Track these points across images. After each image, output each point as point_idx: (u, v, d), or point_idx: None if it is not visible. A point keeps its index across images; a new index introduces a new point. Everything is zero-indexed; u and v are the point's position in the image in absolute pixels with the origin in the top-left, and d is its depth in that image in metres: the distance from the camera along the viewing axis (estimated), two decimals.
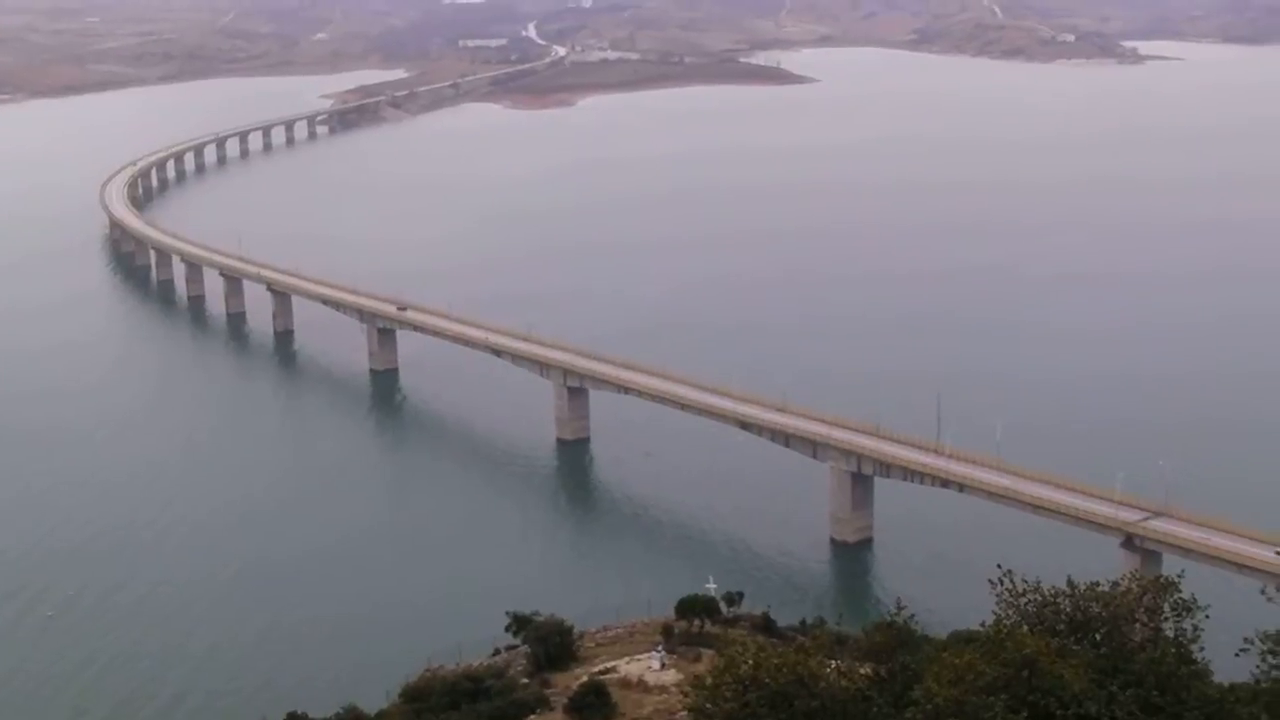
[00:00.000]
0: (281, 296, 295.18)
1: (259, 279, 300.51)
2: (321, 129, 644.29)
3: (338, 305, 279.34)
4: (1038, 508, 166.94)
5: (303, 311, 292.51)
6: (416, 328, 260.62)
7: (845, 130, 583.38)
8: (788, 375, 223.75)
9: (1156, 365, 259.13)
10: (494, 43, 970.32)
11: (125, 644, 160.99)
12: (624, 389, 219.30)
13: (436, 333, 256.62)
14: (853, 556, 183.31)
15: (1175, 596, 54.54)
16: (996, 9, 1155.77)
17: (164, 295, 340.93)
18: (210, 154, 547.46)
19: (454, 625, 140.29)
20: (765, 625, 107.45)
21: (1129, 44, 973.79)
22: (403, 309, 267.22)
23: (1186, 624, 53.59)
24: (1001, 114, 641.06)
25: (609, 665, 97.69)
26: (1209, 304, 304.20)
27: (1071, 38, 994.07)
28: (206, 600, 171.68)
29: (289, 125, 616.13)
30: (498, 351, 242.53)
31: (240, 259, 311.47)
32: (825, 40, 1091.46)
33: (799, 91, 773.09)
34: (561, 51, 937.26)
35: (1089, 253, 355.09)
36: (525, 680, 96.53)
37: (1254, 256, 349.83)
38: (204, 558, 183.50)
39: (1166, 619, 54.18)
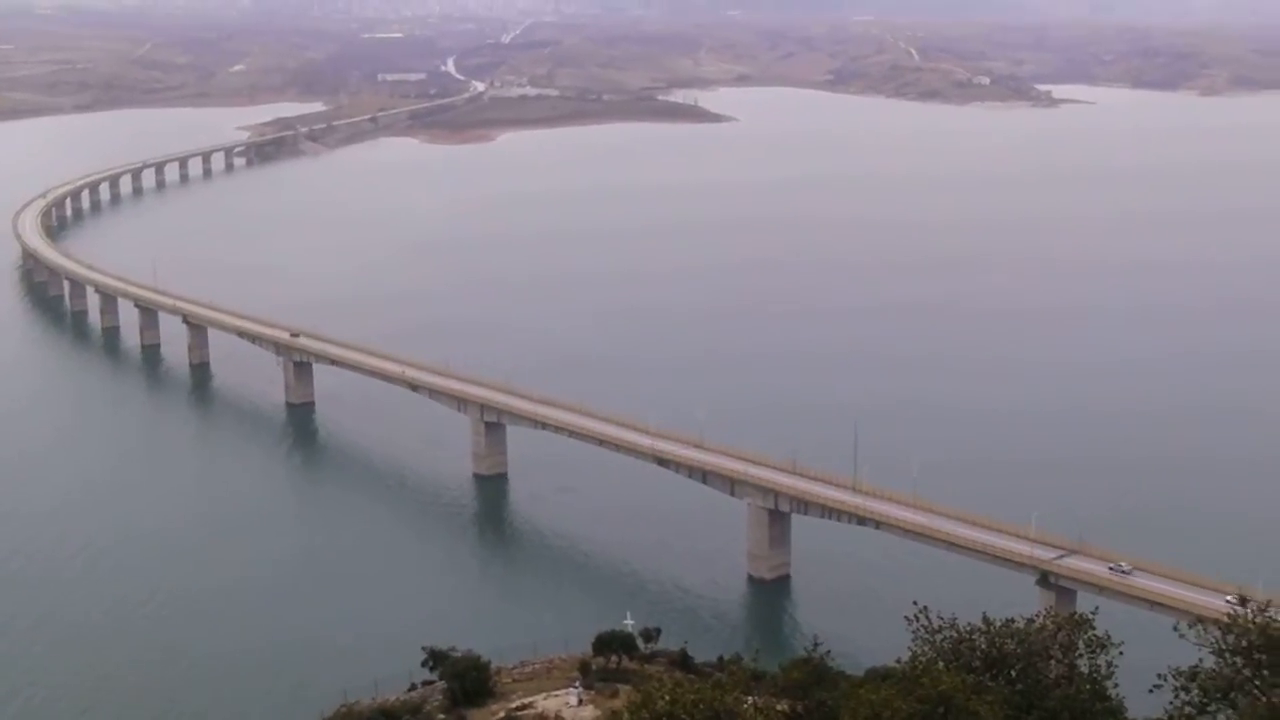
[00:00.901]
0: (197, 329, 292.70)
1: (174, 311, 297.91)
2: (239, 161, 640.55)
3: (254, 338, 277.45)
4: (954, 545, 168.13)
5: (219, 344, 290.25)
6: (333, 361, 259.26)
7: (763, 168, 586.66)
8: (705, 406, 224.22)
9: (1068, 401, 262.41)
10: (413, 77, 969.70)
11: (29, 681, 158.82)
12: (541, 424, 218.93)
13: (353, 366, 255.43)
14: (770, 593, 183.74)
15: (1089, 633, 55.02)
16: (913, 51, 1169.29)
17: (78, 327, 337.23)
18: (126, 184, 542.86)
19: (370, 660, 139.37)
20: (682, 661, 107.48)
21: (1043, 87, 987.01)
22: (295, 335, 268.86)
23: (1101, 660, 54.06)
24: (918, 154, 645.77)
25: (526, 701, 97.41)
26: (1124, 341, 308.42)
27: (986, 80, 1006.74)
28: (119, 636, 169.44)
29: (206, 157, 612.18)
30: (415, 386, 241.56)
31: (156, 290, 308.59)
32: (743, 80, 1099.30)
33: (717, 129, 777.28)
34: (481, 87, 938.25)
35: (1006, 289, 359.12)
36: (442, 716, 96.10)
37: (1173, 295, 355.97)
38: (116, 593, 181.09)
39: (1081, 655, 54.63)
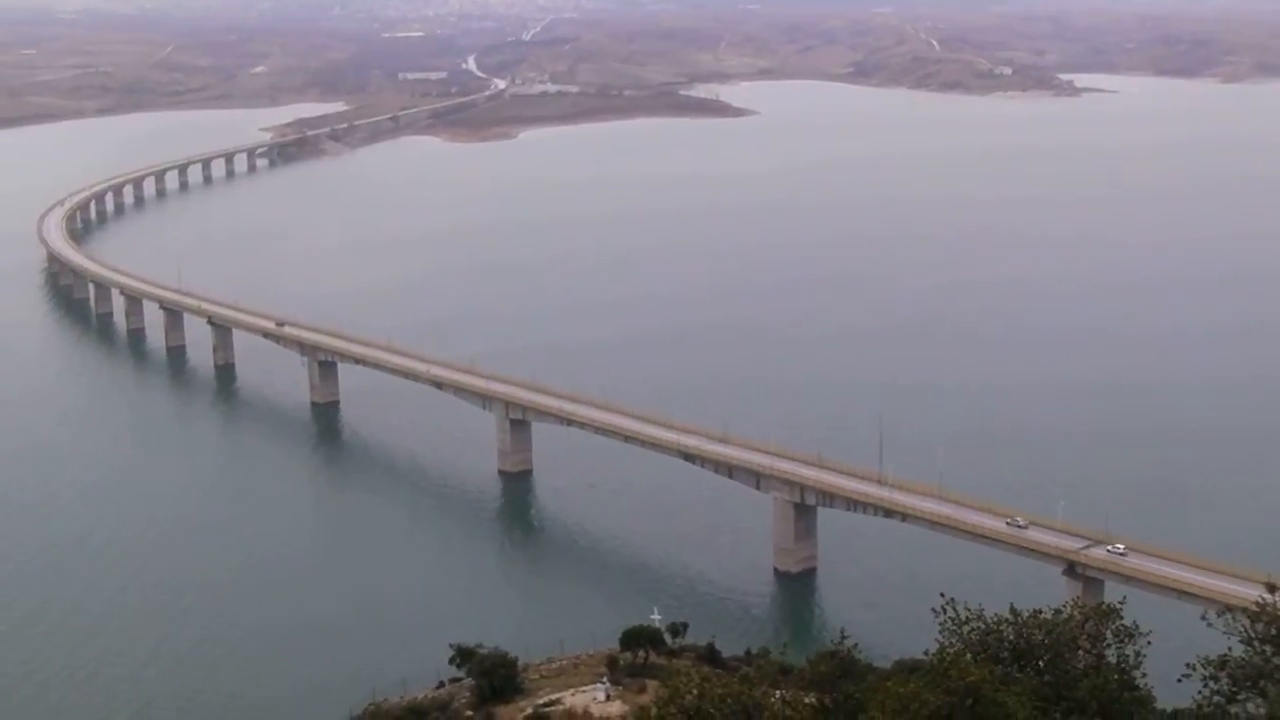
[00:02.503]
0: (222, 330, 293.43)
1: (199, 312, 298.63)
2: (261, 162, 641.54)
3: (278, 338, 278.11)
4: (980, 537, 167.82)
5: (244, 344, 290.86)
6: (357, 360, 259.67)
7: (788, 156, 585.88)
8: (732, 388, 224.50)
9: (1095, 378, 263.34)
10: (434, 75, 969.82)
11: (61, 669, 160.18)
12: (567, 421, 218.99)
13: (377, 365, 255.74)
14: (796, 586, 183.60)
15: (1117, 623, 54.83)
16: (934, 42, 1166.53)
17: (103, 329, 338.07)
18: (149, 187, 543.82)
19: (398, 657, 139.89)
20: (710, 656, 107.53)
21: (1065, 77, 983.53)
22: (281, 325, 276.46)
23: (1129, 650, 53.88)
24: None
25: (554, 697, 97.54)
26: (1151, 317, 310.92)
27: (1008, 71, 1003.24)
28: (145, 627, 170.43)
29: (229, 158, 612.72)
30: (439, 384, 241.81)
31: (180, 292, 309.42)
32: (763, 73, 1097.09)
33: (739, 123, 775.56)
34: (501, 84, 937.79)
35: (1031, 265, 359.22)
36: (470, 713, 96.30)
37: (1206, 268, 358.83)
38: (145, 587, 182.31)
39: (1109, 646, 54.44)
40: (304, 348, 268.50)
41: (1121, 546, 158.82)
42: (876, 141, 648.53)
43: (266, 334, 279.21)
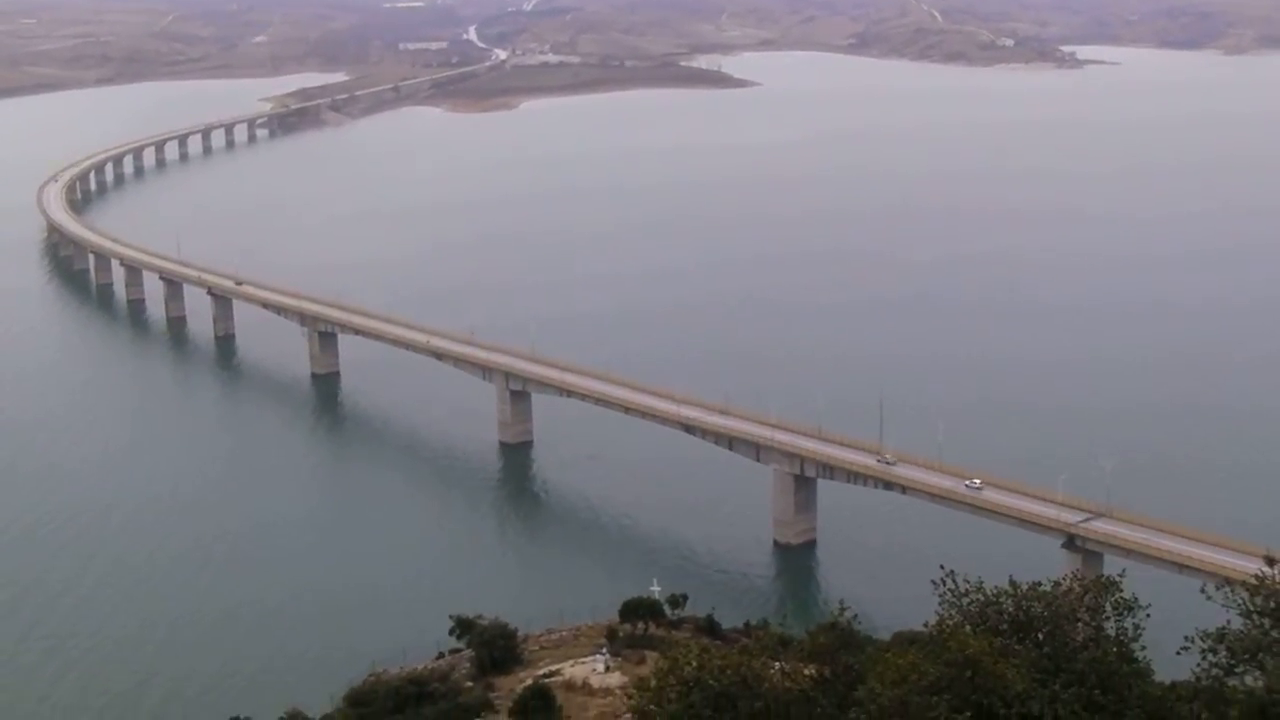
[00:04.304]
0: (222, 300, 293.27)
1: (199, 283, 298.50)
2: (261, 132, 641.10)
3: (278, 309, 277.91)
4: (980, 509, 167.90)
5: (243, 315, 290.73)
6: (357, 331, 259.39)
7: (788, 129, 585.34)
8: (733, 360, 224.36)
9: (1097, 351, 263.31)
10: (434, 46, 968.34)
11: (61, 642, 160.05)
12: (567, 392, 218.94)
13: (378, 336, 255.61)
14: (796, 558, 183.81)
15: (1117, 596, 54.65)
16: (936, 13, 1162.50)
17: (103, 300, 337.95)
18: (149, 157, 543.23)
19: (398, 628, 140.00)
20: (709, 627, 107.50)
21: (1067, 48, 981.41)
22: (240, 284, 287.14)
23: (1128, 623, 53.73)
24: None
25: (553, 668, 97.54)
26: (1147, 292, 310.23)
27: (1010, 42, 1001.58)
28: (146, 599, 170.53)
29: (229, 129, 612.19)
30: (439, 355, 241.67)
31: (180, 263, 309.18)
32: (765, 44, 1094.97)
33: (740, 94, 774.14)
34: (502, 55, 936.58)
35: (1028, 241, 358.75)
36: (470, 684, 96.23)
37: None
38: (143, 557, 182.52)
39: (1108, 618, 54.30)
40: (304, 318, 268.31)
41: (979, 481, 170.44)
42: (876, 113, 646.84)
43: (225, 294, 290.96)
